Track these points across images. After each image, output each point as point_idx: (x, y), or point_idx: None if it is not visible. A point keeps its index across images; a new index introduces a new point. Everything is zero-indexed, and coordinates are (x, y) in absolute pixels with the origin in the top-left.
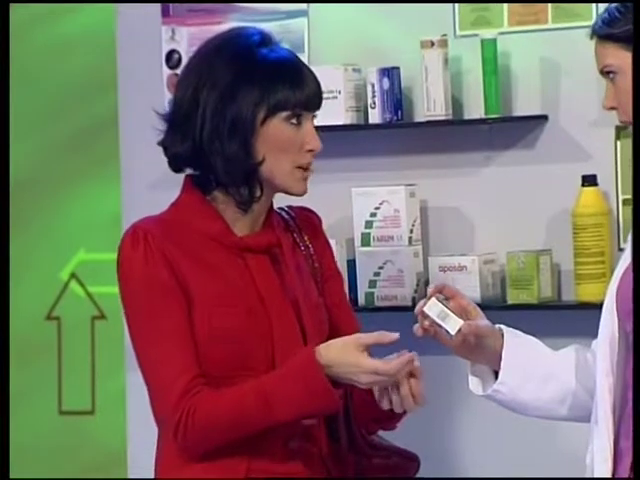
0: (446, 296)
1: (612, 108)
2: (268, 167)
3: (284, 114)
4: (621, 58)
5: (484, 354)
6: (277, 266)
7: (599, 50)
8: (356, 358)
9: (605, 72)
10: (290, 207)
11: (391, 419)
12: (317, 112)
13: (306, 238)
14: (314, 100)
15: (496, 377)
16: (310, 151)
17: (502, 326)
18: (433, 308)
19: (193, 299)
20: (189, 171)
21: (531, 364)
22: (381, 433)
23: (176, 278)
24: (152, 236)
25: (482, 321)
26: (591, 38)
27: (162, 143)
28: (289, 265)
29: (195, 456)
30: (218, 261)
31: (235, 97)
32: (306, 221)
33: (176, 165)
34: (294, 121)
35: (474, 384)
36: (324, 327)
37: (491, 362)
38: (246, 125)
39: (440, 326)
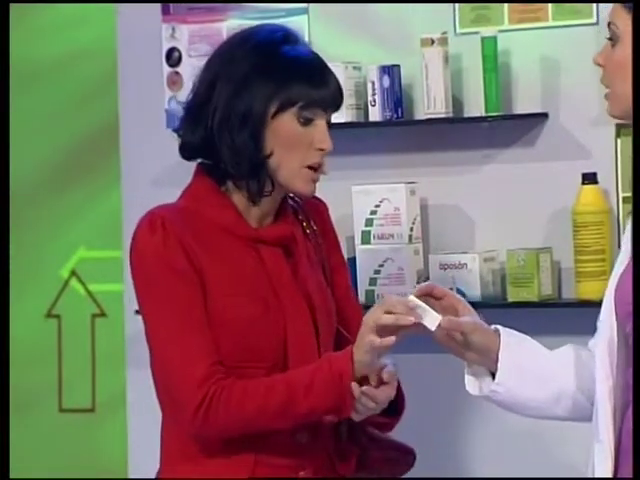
0: (436, 296)
1: (600, 65)
2: (275, 162)
3: (295, 109)
4: (626, 24)
5: (474, 351)
6: (290, 258)
7: (615, 6)
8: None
9: (608, 29)
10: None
11: (386, 424)
12: (334, 113)
13: (314, 227)
14: (330, 100)
15: (492, 377)
16: (320, 150)
17: (498, 326)
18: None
19: (207, 288)
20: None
21: (528, 364)
22: None
23: (193, 266)
24: (169, 223)
25: (467, 318)
26: None
27: (177, 131)
28: (302, 258)
29: (207, 444)
30: (231, 252)
31: (249, 89)
32: (314, 209)
33: (187, 154)
34: (304, 118)
35: (471, 384)
36: (333, 320)
37: (484, 361)
38: (257, 117)
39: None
